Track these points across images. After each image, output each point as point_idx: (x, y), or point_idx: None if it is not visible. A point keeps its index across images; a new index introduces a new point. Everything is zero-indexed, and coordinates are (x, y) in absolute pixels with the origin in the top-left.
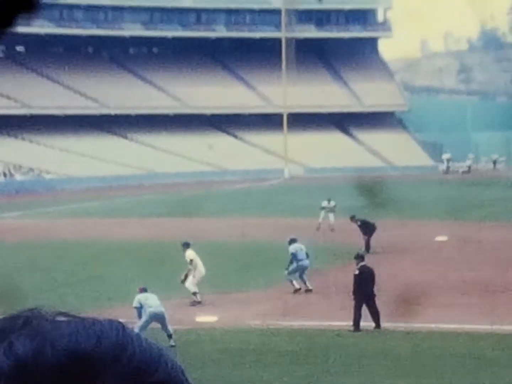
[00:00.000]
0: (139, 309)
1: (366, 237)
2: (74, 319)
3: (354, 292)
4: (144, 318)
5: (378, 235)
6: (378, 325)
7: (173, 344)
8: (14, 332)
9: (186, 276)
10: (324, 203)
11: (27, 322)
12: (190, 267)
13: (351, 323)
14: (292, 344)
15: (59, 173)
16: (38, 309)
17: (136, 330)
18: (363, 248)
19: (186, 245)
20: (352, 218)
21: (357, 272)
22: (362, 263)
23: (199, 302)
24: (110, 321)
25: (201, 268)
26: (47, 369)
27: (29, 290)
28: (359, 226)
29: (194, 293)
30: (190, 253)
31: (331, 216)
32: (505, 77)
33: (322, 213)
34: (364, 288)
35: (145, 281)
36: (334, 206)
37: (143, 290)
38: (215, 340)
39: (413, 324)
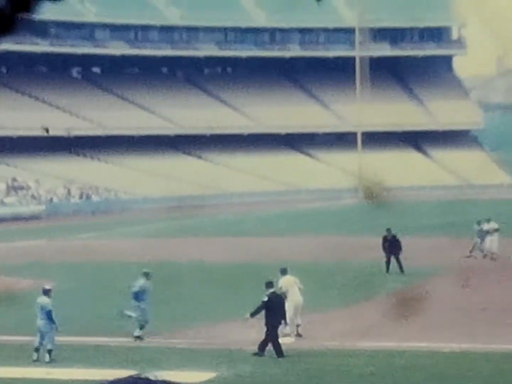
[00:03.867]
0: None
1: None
2: None
3: (266, 319)
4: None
5: None
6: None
7: None
8: None
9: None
10: (482, 225)
11: None
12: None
13: (429, 344)
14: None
15: (135, 193)
16: (140, 375)
17: None
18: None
19: (283, 271)
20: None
21: (265, 299)
22: (271, 290)
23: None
24: None
25: (294, 297)
26: None
27: (103, 312)
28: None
29: (298, 325)
30: (283, 280)
31: (490, 240)
32: None
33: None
34: (273, 315)
35: (221, 303)
36: (496, 230)
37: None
38: (293, 361)
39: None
